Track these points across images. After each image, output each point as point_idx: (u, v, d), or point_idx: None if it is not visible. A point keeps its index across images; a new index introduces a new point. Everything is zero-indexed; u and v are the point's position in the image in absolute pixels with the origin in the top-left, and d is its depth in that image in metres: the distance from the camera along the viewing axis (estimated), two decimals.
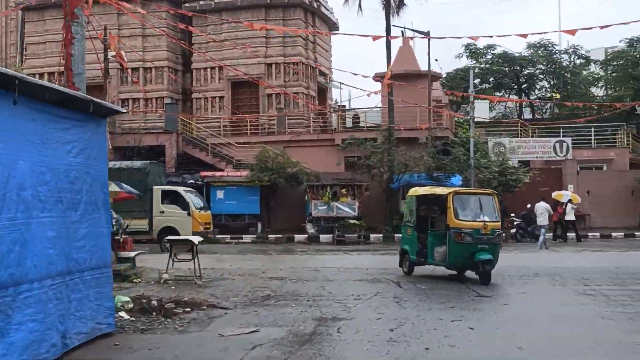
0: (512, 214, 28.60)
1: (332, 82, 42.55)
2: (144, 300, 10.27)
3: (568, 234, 27.59)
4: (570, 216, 27.45)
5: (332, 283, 14.28)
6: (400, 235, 17.45)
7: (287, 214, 32.20)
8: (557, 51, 41.11)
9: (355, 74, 18.78)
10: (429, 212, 15.62)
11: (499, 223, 14.35)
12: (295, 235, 29.36)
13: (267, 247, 25.73)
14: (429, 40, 32.46)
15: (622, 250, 22.83)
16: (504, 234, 14.72)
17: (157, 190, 24.44)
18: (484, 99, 34.04)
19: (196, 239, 14.60)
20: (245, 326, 9.41)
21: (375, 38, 14.57)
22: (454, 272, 15.10)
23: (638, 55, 40.46)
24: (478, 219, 14.13)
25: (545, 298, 12.11)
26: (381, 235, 29.40)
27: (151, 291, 12.76)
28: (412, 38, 34.32)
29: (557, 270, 16.28)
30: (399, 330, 9.16)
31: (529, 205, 28.01)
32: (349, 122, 36.65)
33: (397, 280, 14.69)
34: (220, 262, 18.27)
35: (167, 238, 15.37)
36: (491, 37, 14.67)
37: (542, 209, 24.93)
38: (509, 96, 46.53)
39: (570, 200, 27.68)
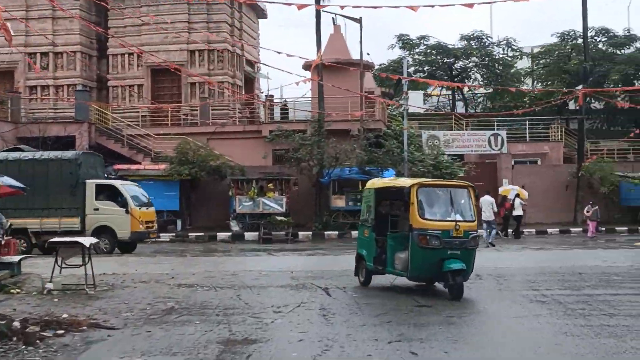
0: None
1: (260, 72, 40.52)
2: (3, 322, 8.07)
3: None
4: (518, 211, 26.57)
5: (250, 291, 12.35)
6: (357, 235, 14.33)
7: (210, 211, 30.08)
8: (490, 43, 40.23)
9: (279, 52, 16.70)
10: (390, 209, 13.05)
11: (475, 223, 11.66)
12: (218, 234, 27.26)
13: (186, 247, 23.54)
14: (360, 26, 30.79)
15: (563, 248, 21.72)
16: (479, 237, 12.00)
17: (91, 184, 21.25)
18: (422, 82, 32.62)
19: (87, 241, 12.36)
20: (129, 356, 7.38)
21: (300, 7, 12.61)
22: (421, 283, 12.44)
23: (570, 49, 39.98)
24: (448, 218, 11.47)
25: (495, 308, 10.51)
26: (310, 232, 27.65)
27: (28, 304, 10.56)
28: (347, 20, 32.47)
29: (499, 271, 14.81)
30: (324, 358, 7.32)
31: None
32: (277, 114, 34.71)
33: (326, 285, 12.87)
34: (124, 266, 16.06)
35: (49, 240, 12.99)
36: (432, 7, 13.38)
37: (487, 203, 23.69)
38: (442, 89, 45.57)
39: (517, 195, 26.77)
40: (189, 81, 35.73)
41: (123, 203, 21.17)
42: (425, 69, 41.14)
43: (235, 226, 27.82)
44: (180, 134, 31.69)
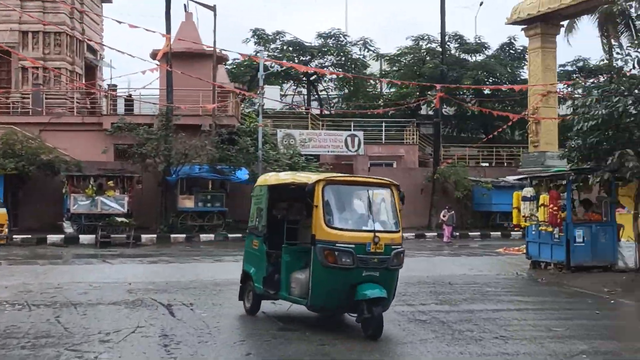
0: None
1: (103, 61, 37.18)
2: None
3: None
4: None
5: (73, 310, 10.04)
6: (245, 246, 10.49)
7: (40, 210, 26.72)
8: (347, 42, 39.48)
9: (120, 22, 14.34)
10: (288, 214, 9.91)
11: (400, 235, 8.90)
12: (48, 236, 24.06)
13: (8, 252, 20.29)
14: (214, 15, 28.70)
15: (426, 255, 20.87)
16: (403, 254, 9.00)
17: None
18: (286, 66, 30.91)
19: None
20: None
21: None
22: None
23: (425, 53, 40.13)
24: (365, 228, 8.58)
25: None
26: (155, 235, 25.16)
27: None
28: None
29: None
30: None
31: None
32: (122, 107, 31.68)
33: (169, 302, 10.81)
34: None
35: None
36: None
37: None
38: (297, 89, 44.32)
39: None
40: (20, 65, 31.86)
41: None
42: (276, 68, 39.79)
43: (68, 227, 24.83)
44: (9, 123, 28.07)
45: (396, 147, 33.96)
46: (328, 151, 31.41)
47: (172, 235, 25.48)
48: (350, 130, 32.97)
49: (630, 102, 13.16)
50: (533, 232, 16.08)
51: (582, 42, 51.38)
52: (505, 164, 36.38)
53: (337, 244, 8.26)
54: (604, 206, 15.24)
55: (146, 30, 18.14)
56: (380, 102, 41.01)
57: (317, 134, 31.22)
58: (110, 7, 40.05)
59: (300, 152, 28.52)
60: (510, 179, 28.78)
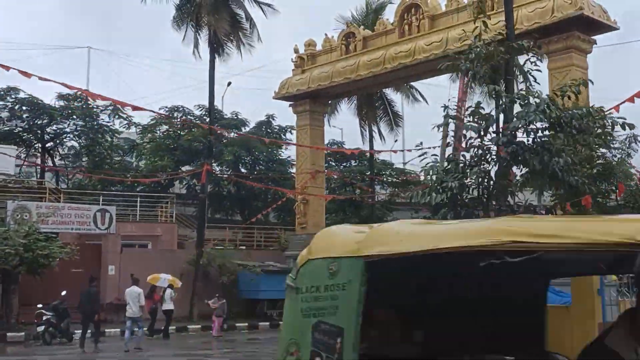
0: (39, 305, 20.57)
1: None
2: None
3: None
4: (169, 305, 22.18)
5: None
6: None
7: None
8: (95, 106, 34.70)
9: None
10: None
11: None
12: None
13: None
14: None
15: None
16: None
17: None
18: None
19: None
20: None
21: None
22: None
23: (181, 125, 36.90)
24: None
25: None
26: None
27: None
28: None
29: None
30: None
31: (63, 292, 20.60)
32: None
33: None
34: None
35: None
36: None
37: (133, 295, 18.69)
38: (26, 156, 37.97)
39: (170, 285, 22.47)
40: None
41: None
42: (11, 128, 33.64)
43: None
44: None
45: (152, 226, 29.73)
46: (72, 228, 26.21)
47: None
48: (98, 205, 28.18)
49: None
50: None
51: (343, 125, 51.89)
52: (263, 247, 33.98)
53: None
54: None
55: None
56: (128, 175, 36.54)
57: (60, 208, 25.93)
58: None
59: (39, 228, 23.14)
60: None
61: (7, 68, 15.53)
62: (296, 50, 31.20)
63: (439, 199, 11.25)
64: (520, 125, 10.75)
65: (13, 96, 33.09)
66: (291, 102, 31.44)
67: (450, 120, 11.97)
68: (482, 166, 11.53)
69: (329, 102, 31.90)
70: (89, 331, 18.59)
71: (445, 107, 12.24)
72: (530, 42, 12.07)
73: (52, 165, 36.63)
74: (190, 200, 38.68)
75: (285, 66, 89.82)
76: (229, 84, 39.97)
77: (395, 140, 36.95)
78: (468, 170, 11.30)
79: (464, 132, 11.76)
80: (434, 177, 11.57)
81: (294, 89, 30.42)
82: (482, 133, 11.70)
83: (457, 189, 11.12)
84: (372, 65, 27.20)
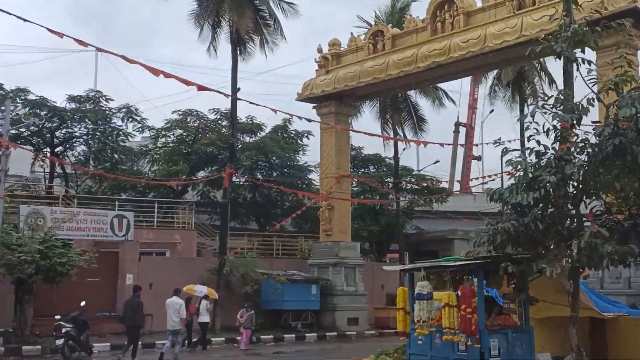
0: (57, 316, 19.11)
1: None
2: None
3: None
4: (204, 317, 21.19)
5: None
6: None
7: None
8: (108, 109, 33.28)
9: None
10: None
11: None
12: None
13: None
14: None
15: None
16: None
17: None
18: None
19: None
20: None
21: None
22: None
23: (196, 129, 35.46)
24: None
25: None
26: None
27: None
28: None
29: None
30: None
31: (82, 303, 19.17)
32: None
33: None
34: None
35: None
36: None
37: (173, 306, 17.53)
38: (34, 161, 36.42)
39: (206, 297, 21.34)
40: None
41: None
42: (20, 130, 32.15)
43: None
44: None
45: (170, 233, 28.34)
46: (88, 235, 24.82)
47: None
48: (114, 210, 26.79)
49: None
50: (421, 342, 11.95)
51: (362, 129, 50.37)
52: (281, 255, 32.51)
53: None
54: (518, 305, 11.72)
55: None
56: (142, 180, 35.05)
57: (75, 214, 24.51)
58: None
59: (56, 234, 21.73)
60: (389, 269, 25.08)
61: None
62: (320, 50, 29.92)
63: (531, 197, 9.87)
64: (633, 114, 9.35)
65: (22, 97, 31.68)
66: (315, 104, 30.10)
67: (537, 110, 10.54)
68: (576, 160, 10.16)
69: (355, 103, 30.52)
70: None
71: (533, 98, 10.88)
72: (629, 21, 10.73)
73: (62, 170, 35.20)
74: (204, 208, 37.29)
75: (291, 71, 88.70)
76: (239, 89, 38.45)
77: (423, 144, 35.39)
78: (565, 164, 9.91)
79: (555, 122, 10.35)
80: (522, 173, 10.18)
81: (318, 90, 29.09)
82: (574, 122, 10.34)
83: (554, 185, 9.75)
84: (403, 65, 25.91)
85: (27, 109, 31.02)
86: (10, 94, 31.56)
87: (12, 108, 32.39)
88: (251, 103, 19.26)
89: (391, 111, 32.89)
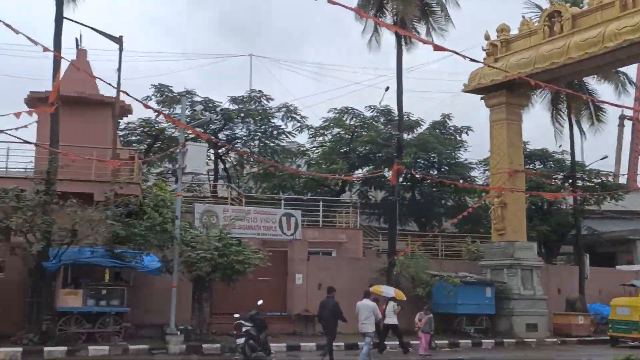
0: (236, 315, 18.73)
1: None
2: None
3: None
4: (392, 319, 20.24)
5: None
6: None
7: None
8: (269, 108, 33.27)
9: None
10: None
11: None
12: None
13: None
14: (120, 49, 21.86)
15: None
16: None
17: None
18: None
19: None
20: None
21: None
22: None
23: (355, 127, 34.67)
24: None
25: None
26: (19, 349, 17.09)
27: None
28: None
29: None
30: None
31: (260, 302, 18.63)
32: None
33: None
34: None
35: None
36: None
37: (368, 309, 16.81)
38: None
39: (393, 298, 20.55)
40: None
41: None
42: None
43: None
44: None
45: (336, 232, 27.62)
46: (258, 233, 24.56)
47: (46, 349, 17.55)
48: (279, 208, 26.42)
49: None
50: None
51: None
52: (445, 257, 30.89)
53: None
54: None
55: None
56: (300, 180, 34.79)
57: (246, 212, 24.29)
58: None
59: (230, 232, 21.49)
60: (626, 269, 23.36)
61: None
62: (487, 38, 28.12)
63: None
64: None
65: (189, 100, 32.20)
66: (483, 95, 28.35)
67: None
68: None
69: (527, 92, 28.40)
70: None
71: None
72: None
73: (225, 171, 35.56)
74: (362, 208, 36.41)
75: (436, 67, 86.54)
76: (387, 89, 37.25)
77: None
78: None
79: None
80: None
81: (487, 80, 27.32)
82: None
83: None
84: (586, 46, 23.64)
85: (199, 107, 31.55)
86: (178, 97, 32.25)
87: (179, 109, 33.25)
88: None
89: (568, 99, 30.33)
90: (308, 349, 20.64)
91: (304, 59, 79.85)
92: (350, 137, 34.60)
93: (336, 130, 35.29)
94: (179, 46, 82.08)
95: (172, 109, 31.70)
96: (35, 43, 12.16)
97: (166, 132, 32.75)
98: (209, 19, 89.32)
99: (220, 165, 34.78)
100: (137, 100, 15.23)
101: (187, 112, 29.26)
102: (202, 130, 26.75)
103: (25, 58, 39.32)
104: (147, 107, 17.83)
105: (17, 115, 17.39)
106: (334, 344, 17.09)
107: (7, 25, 11.74)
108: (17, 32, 11.67)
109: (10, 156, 21.83)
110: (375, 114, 35.94)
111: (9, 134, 14.25)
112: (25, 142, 17.15)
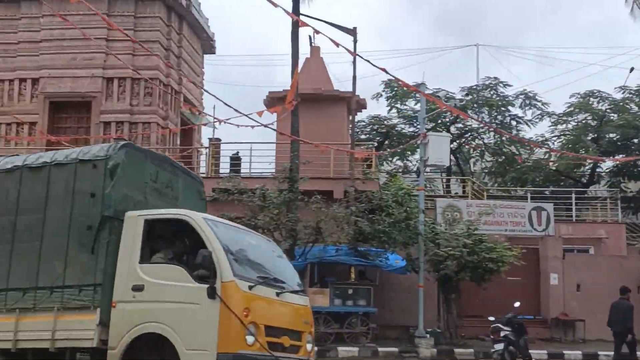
0: (491, 318, 17.04)
1: (206, 118, 30.07)
2: None
3: None
4: None
5: None
6: None
7: None
8: (505, 96, 31.05)
9: None
10: None
11: None
12: None
13: None
14: (354, 41, 21.23)
15: None
16: None
17: (134, 219, 8.41)
18: None
19: None
20: None
21: None
22: None
23: (605, 110, 31.22)
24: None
25: None
26: None
27: None
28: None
29: None
30: None
31: (517, 304, 16.72)
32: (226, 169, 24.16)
33: None
34: None
35: None
36: None
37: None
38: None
39: None
40: (101, 120, 25.39)
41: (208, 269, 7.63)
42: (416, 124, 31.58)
43: None
44: None
45: (593, 228, 24.74)
46: (506, 229, 22.59)
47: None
48: (526, 201, 24.20)
49: None
50: None
51: None
52: None
53: None
54: None
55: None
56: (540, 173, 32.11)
57: (492, 206, 22.45)
58: (213, 57, 33.41)
59: (477, 227, 19.84)
60: None
61: None
62: None
63: None
64: None
65: (417, 96, 31.00)
66: None
67: None
68: None
69: None
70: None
71: None
72: None
73: (457, 166, 33.99)
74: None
75: None
76: (632, 69, 32.81)
77: None
78: None
79: None
80: None
81: None
82: None
83: None
84: None
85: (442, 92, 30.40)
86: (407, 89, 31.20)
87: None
88: None
89: None
90: (573, 357, 18.37)
91: (525, 45, 75.30)
92: (598, 122, 31.19)
93: (581, 116, 32.06)
94: (399, 44, 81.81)
95: (403, 104, 30.77)
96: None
97: (396, 128, 31.98)
98: (423, 16, 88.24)
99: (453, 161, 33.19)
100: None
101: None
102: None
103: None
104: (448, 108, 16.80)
105: (260, 114, 17.39)
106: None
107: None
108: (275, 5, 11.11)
109: (252, 157, 22.16)
110: (627, 95, 32.13)
111: (263, 125, 13.80)
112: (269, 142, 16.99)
